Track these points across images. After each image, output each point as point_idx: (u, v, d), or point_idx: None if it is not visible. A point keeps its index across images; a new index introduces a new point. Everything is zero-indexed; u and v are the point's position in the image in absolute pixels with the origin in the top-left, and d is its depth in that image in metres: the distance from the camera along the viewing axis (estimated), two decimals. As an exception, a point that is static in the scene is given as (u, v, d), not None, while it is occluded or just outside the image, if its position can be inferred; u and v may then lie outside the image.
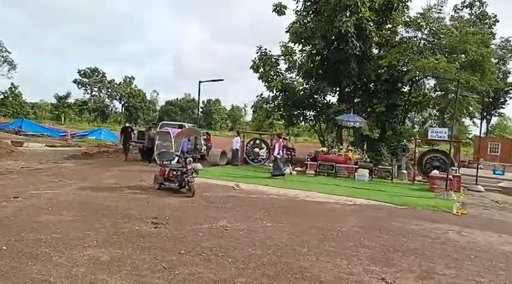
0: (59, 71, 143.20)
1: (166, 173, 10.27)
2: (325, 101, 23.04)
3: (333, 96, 22.97)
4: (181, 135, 11.70)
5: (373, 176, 15.11)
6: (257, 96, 23.12)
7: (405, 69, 17.85)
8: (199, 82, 16.29)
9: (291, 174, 15.40)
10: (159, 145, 10.90)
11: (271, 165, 16.01)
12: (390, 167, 15.57)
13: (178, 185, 9.89)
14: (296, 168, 16.16)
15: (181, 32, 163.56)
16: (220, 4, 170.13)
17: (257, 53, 22.66)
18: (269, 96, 23.01)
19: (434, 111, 21.76)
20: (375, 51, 20.53)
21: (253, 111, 23.21)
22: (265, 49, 22.56)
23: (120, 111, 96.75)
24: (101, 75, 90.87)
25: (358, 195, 11.20)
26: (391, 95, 18.90)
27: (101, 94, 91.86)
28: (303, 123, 23.90)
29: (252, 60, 22.92)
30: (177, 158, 10.85)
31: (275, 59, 22.33)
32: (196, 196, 9.48)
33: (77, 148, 22.76)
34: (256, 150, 18.23)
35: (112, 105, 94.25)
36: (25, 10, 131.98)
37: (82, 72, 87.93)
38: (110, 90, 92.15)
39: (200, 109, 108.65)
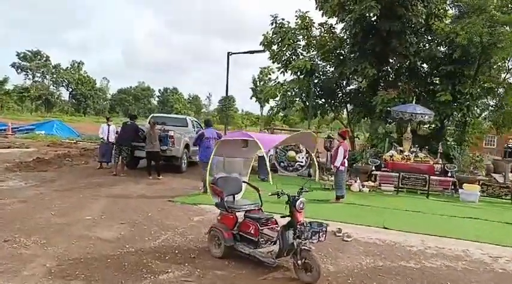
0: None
1: (237, 224, 5.01)
2: (355, 87, 18.40)
3: (362, 82, 18.32)
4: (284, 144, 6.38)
5: (483, 194, 10.63)
6: (271, 81, 17.97)
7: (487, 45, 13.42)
8: (228, 53, 10.93)
9: (360, 192, 10.59)
10: (217, 163, 5.52)
11: (323, 178, 11.08)
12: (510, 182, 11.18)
13: (273, 255, 4.64)
14: (364, 182, 11.27)
15: (133, 21, 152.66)
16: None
17: (271, 23, 17.49)
18: (285, 81, 17.97)
19: (492, 101, 17.80)
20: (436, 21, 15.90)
21: (265, 102, 17.97)
22: (282, 19, 17.46)
23: (67, 99, 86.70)
24: (44, 58, 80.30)
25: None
26: (457, 79, 14.55)
27: (45, 81, 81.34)
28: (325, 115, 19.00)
29: (264, 35, 17.73)
30: (243, 188, 5.62)
31: (293, 32, 17.23)
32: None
33: (23, 150, 16.36)
34: (291, 153, 13.17)
35: (58, 93, 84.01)
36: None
37: (22, 54, 76.96)
38: (55, 75, 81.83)
39: (156, 98, 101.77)
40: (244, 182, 5.63)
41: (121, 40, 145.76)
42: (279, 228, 4.70)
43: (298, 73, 16.42)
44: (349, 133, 9.42)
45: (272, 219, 4.97)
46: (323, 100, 18.00)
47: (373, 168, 11.74)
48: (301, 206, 4.51)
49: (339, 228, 6.47)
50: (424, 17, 14.14)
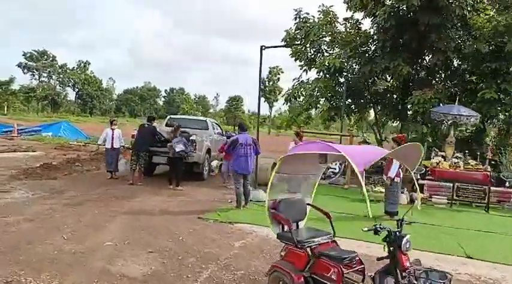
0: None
1: (309, 264, 3.78)
2: (383, 87, 17.14)
3: (390, 80, 17.05)
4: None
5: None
6: (293, 80, 16.72)
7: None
8: (262, 47, 9.72)
9: (409, 204, 9.33)
10: (279, 182, 4.29)
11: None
12: None
13: None
14: (411, 192, 9.95)
15: (140, 20, 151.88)
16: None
17: (295, 18, 16.29)
18: (308, 79, 16.75)
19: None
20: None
21: (286, 102, 16.69)
22: (307, 14, 16.23)
23: (73, 99, 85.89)
24: (50, 58, 79.48)
25: None
26: (502, 77, 13.23)
27: (51, 81, 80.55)
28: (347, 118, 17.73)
29: (286, 31, 16.55)
30: (308, 209, 4.42)
31: (317, 28, 15.97)
32: None
33: (30, 153, 15.26)
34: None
35: (64, 93, 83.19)
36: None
37: (28, 54, 76.14)
38: (61, 75, 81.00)
39: (162, 99, 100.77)
40: (309, 205, 4.43)
41: (127, 40, 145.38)
42: (370, 273, 3.52)
43: (325, 71, 15.16)
44: (404, 138, 8.10)
45: (356, 258, 3.77)
46: (349, 100, 16.74)
47: (418, 177, 10.47)
48: (407, 246, 3.31)
49: (417, 259, 5.22)
50: (469, 8, 12.86)
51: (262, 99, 70.96)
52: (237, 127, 10.44)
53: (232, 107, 78.16)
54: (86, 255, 4.98)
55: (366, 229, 3.38)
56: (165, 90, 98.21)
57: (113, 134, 10.75)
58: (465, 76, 14.86)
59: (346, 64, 14.98)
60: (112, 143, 10.67)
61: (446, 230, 7.27)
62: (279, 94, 67.61)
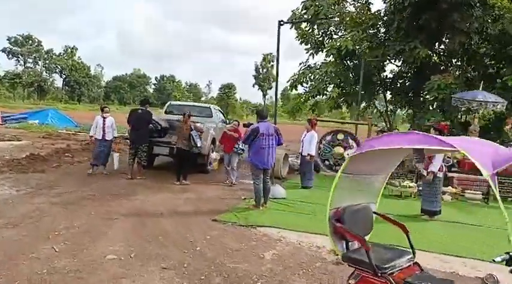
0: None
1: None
2: (395, 71, 16.17)
3: (401, 65, 16.05)
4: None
5: None
6: (300, 64, 15.63)
7: None
8: (279, 22, 8.58)
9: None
10: (344, 186, 3.26)
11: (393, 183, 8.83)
12: None
13: None
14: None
15: (129, 7, 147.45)
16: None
17: (301, -2, 15.13)
18: (316, 63, 15.68)
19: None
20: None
21: (291, 88, 15.61)
22: (315, -9, 15.07)
23: (61, 86, 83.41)
24: (36, 43, 76.72)
25: None
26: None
27: (37, 67, 77.89)
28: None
29: (292, 11, 15.41)
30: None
31: (327, 8, 14.83)
32: None
33: (14, 143, 13.98)
34: (339, 150, 10.96)
35: (51, 79, 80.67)
36: None
37: (13, 39, 73.30)
38: (47, 61, 78.38)
39: (153, 86, 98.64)
40: (376, 214, 3.43)
41: (115, 26, 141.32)
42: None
43: (336, 54, 14.08)
44: (447, 127, 7.13)
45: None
46: (358, 86, 15.74)
47: (445, 168, 9.52)
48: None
49: (491, 275, 4.29)
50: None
51: (256, 87, 69.83)
52: (251, 116, 9.27)
53: (225, 95, 76.53)
54: (84, 274, 3.93)
55: (499, 259, 2.36)
56: (156, 78, 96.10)
57: (104, 123, 9.20)
58: (484, 60, 13.92)
59: (358, 47, 13.89)
60: (103, 133, 9.17)
61: (495, 232, 6.35)
62: (273, 81, 66.40)
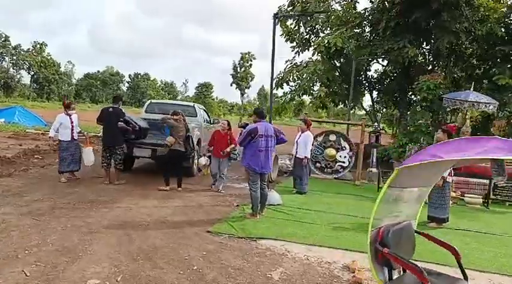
0: None
1: None
2: (380, 71, 15.95)
3: (387, 65, 15.86)
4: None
5: None
6: (286, 62, 15.12)
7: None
8: (275, 15, 8.00)
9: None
10: (389, 200, 2.71)
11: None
12: None
13: None
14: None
15: (101, 1, 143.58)
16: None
17: (288, -8, 14.67)
18: (302, 62, 15.24)
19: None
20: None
21: (277, 87, 15.06)
22: (301, -13, 14.63)
23: (29, 83, 79.90)
24: (3, 39, 73.19)
25: None
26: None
27: (3, 63, 74.29)
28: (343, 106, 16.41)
29: (279, 7, 14.93)
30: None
31: (314, 5, 14.41)
32: None
33: (-23, 144, 12.83)
34: (330, 151, 10.50)
35: (18, 76, 77.09)
36: None
37: (-23, 34, 69.63)
38: (15, 57, 74.88)
39: (126, 84, 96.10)
40: (418, 233, 2.91)
41: (88, 22, 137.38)
42: None
43: (324, 52, 13.65)
44: (455, 129, 6.75)
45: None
46: (345, 85, 15.42)
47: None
48: None
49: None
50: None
51: (234, 86, 69.03)
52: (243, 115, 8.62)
53: (201, 94, 75.38)
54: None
55: None
56: (129, 75, 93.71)
57: (71, 121, 8.13)
58: (471, 61, 13.86)
59: (346, 45, 13.54)
60: (72, 133, 8.12)
61: (506, 240, 6.01)
62: (251, 80, 65.83)
